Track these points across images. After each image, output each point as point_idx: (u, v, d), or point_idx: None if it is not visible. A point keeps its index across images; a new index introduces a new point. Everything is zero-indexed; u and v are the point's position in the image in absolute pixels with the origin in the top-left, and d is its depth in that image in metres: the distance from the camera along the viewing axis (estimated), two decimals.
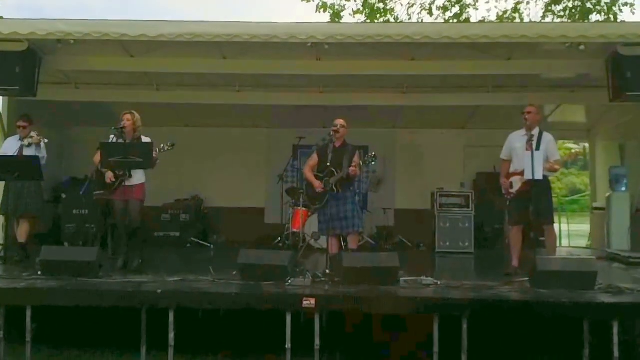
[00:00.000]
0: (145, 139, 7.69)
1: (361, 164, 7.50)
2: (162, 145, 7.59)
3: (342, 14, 16.76)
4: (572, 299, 5.76)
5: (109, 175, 7.54)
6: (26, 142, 8.26)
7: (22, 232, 8.37)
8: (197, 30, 7.67)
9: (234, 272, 6.51)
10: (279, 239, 10.87)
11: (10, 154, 8.15)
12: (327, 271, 6.75)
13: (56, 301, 5.89)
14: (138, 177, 7.69)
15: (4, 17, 14.57)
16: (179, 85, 10.42)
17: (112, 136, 7.61)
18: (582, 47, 7.61)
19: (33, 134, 8.32)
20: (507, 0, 16.70)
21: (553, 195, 7.94)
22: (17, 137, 8.44)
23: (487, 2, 17.23)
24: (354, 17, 16.41)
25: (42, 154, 8.20)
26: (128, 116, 7.67)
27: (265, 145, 13.04)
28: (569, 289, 6.01)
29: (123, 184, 7.58)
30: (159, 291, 5.86)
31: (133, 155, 7.18)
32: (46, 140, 8.35)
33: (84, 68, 9.28)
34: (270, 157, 12.91)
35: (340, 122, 7.64)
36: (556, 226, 13.51)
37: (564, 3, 15.80)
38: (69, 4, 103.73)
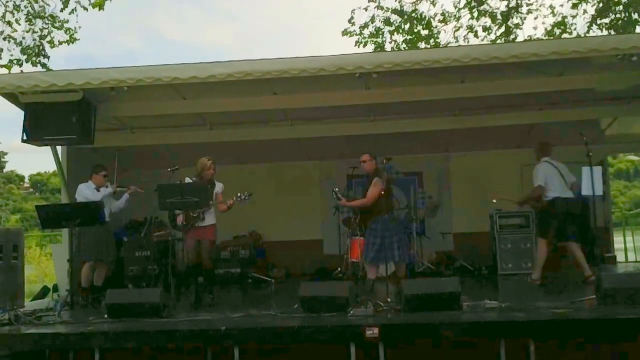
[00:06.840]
0: (218, 185, 8.01)
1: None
2: (239, 194, 7.78)
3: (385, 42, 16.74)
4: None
5: (179, 219, 7.69)
6: (113, 189, 8.64)
7: (100, 276, 8.60)
8: (246, 69, 7.74)
9: (296, 305, 6.53)
10: (338, 269, 10.83)
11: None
12: (388, 299, 6.73)
13: (123, 343, 5.94)
14: (210, 218, 7.84)
15: (57, 68, 15.15)
16: (231, 124, 10.58)
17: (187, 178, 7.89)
18: (634, 58, 7.45)
19: (108, 183, 8.65)
20: (554, 15, 16.34)
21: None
22: (92, 185, 8.60)
23: (536, 18, 16.95)
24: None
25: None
26: (212, 164, 7.96)
27: (319, 177, 13.11)
28: (636, 305, 5.85)
29: (196, 224, 7.73)
30: (223, 328, 5.88)
31: (189, 196, 7.31)
32: (142, 191, 8.72)
33: (138, 113, 9.53)
34: (324, 188, 12.85)
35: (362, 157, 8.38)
36: (621, 240, 13.33)
37: (609, 16, 15.48)
38: (118, 52, 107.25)
